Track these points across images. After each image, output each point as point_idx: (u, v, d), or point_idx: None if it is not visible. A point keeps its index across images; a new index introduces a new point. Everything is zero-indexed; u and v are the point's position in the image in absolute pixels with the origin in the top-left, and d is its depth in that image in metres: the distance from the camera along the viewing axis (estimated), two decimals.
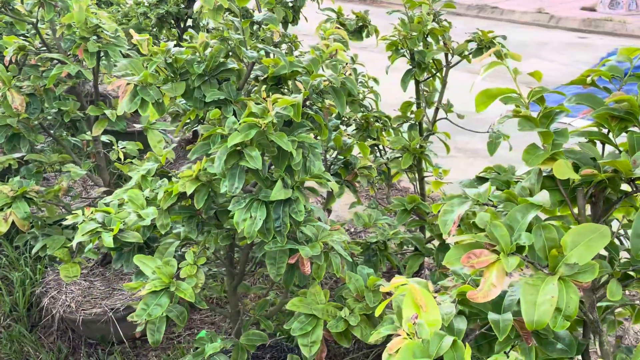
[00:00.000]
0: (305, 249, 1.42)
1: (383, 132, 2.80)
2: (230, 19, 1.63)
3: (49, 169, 2.85)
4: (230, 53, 1.68)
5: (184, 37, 4.32)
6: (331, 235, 1.47)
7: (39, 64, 2.48)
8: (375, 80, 3.21)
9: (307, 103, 1.69)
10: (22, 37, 2.66)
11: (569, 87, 1.28)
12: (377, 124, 2.85)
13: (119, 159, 2.71)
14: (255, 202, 1.44)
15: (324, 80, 1.58)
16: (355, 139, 2.80)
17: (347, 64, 1.64)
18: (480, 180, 2.36)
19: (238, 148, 1.40)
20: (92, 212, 1.76)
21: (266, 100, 1.43)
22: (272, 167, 1.55)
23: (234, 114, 1.55)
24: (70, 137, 2.84)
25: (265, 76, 1.68)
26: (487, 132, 2.40)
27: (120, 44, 2.27)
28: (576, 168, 1.02)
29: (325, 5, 3.29)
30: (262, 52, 1.73)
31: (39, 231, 2.49)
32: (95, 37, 2.24)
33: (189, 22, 4.27)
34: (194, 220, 1.64)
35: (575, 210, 1.04)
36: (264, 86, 1.68)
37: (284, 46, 3.45)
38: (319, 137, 1.70)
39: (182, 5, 4.00)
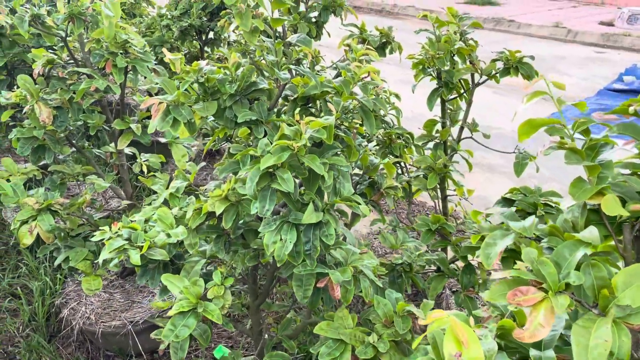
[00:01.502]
0: (336, 273, 1.40)
1: (405, 149, 2.79)
2: (264, 40, 1.63)
3: (72, 179, 2.87)
4: (261, 72, 1.68)
5: (206, 49, 4.35)
6: (361, 259, 1.45)
7: (67, 77, 2.50)
8: (397, 96, 3.21)
9: (337, 122, 1.68)
10: (50, 50, 2.69)
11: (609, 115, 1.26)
12: (399, 140, 2.84)
13: (141, 172, 2.72)
14: (285, 225, 1.43)
15: (355, 102, 1.57)
16: (379, 156, 2.79)
17: (379, 86, 1.63)
18: (507, 202, 2.34)
19: (270, 170, 1.39)
20: (119, 229, 1.76)
21: (299, 122, 1.42)
22: (302, 187, 1.54)
23: (265, 134, 1.54)
24: (94, 148, 2.86)
25: (295, 96, 1.68)
26: (514, 152, 2.37)
27: (147, 59, 2.28)
28: (622, 202, 1.00)
29: (348, 21, 3.30)
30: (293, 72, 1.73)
31: (62, 242, 2.50)
32: (123, 52, 2.26)
33: (211, 34, 4.30)
34: (221, 239, 1.63)
35: (621, 245, 1.02)
36: (295, 107, 1.67)
37: (306, 61, 3.45)
38: (348, 158, 1.69)
39: (205, 19, 4.03)
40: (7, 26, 2.83)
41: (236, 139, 1.78)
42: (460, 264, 2.37)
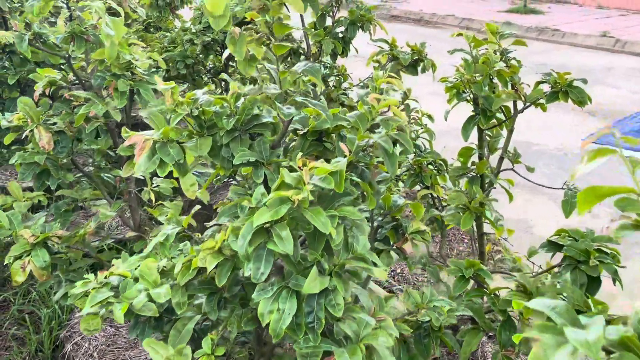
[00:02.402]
0: (344, 355, 1.15)
1: (437, 177, 2.52)
2: (267, 68, 1.41)
3: (80, 205, 2.71)
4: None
5: (230, 64, 4.17)
6: (376, 336, 1.20)
7: (72, 98, 2.34)
8: (429, 117, 2.94)
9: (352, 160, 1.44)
10: (57, 69, 2.55)
11: None
12: (430, 166, 2.57)
13: (150, 200, 2.53)
14: (284, 291, 1.19)
15: (374, 141, 1.32)
16: (407, 184, 2.53)
17: (404, 118, 1.38)
18: (553, 246, 2.04)
19: (266, 225, 1.16)
20: (105, 277, 1.56)
21: (305, 164, 1.18)
22: (306, 240, 1.30)
23: (265, 179, 1.31)
24: (103, 173, 2.69)
25: (305, 130, 1.44)
26: (562, 188, 2.07)
27: (152, 81, 2.09)
28: None
29: (378, 36, 3.05)
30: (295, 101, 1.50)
31: (64, 275, 2.33)
32: (128, 74, 2.08)
33: None
34: (215, 297, 1.41)
35: None
36: (305, 143, 1.44)
37: (332, 78, 3.22)
38: (364, 204, 1.44)
39: (223, 33, 3.85)
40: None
41: (238, 179, 1.55)
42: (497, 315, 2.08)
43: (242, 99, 1.41)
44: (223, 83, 4.40)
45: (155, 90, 2.19)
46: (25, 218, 2.49)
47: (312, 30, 2.96)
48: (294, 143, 1.47)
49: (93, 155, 2.46)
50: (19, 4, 3.13)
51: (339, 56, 3.05)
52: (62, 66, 2.54)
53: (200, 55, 3.85)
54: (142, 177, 2.72)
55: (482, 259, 2.32)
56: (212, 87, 4.43)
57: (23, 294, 3.28)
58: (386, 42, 3.03)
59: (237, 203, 1.31)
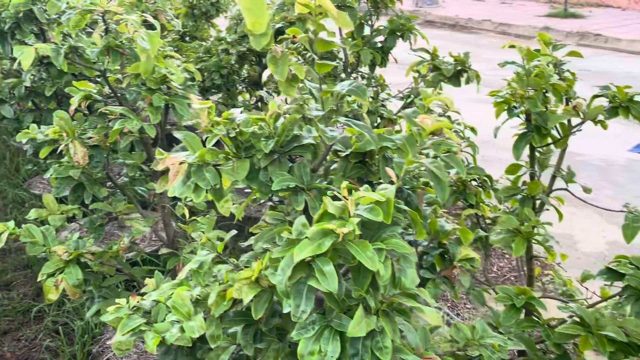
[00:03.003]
0: None
1: (482, 194, 2.38)
2: (308, 87, 1.32)
3: (120, 216, 2.68)
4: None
5: None
6: None
7: (107, 111, 2.31)
8: (472, 130, 2.80)
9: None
10: (93, 82, 2.53)
11: None
12: (474, 183, 2.43)
13: (184, 215, 2.48)
14: (326, 331, 1.09)
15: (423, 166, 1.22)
16: (449, 201, 2.40)
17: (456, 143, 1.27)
18: (612, 273, 1.88)
19: (308, 258, 1.07)
20: (138, 302, 1.50)
21: (346, 195, 1.09)
22: (348, 271, 1.20)
23: (306, 207, 1.22)
24: (136, 186, 2.66)
25: (347, 152, 1.35)
26: (623, 210, 1.92)
27: (188, 96, 2.04)
28: None
29: (418, 45, 2.94)
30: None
31: (96, 291, 2.30)
32: (164, 88, 2.03)
33: None
34: (251, 330, 1.32)
35: None
36: (347, 166, 1.34)
37: (370, 89, 3.12)
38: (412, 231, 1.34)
39: None
40: None
41: (275, 199, 1.47)
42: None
43: (281, 119, 1.32)
44: (258, 93, 4.36)
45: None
46: (61, 228, 2.48)
47: (350, 39, 2.87)
48: (335, 165, 1.38)
49: (127, 167, 2.42)
50: (57, 16, 3.14)
51: (377, 66, 2.95)
52: (97, 79, 2.52)
53: (236, 65, 3.81)
54: None
55: (530, 284, 2.17)
56: (247, 96, 4.39)
57: (57, 305, 3.28)
58: (427, 51, 2.92)
59: (276, 232, 1.22)
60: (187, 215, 2.46)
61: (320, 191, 1.25)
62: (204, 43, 4.21)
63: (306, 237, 1.05)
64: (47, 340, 3.06)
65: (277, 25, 3.63)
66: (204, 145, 1.31)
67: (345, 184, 1.08)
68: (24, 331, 3.16)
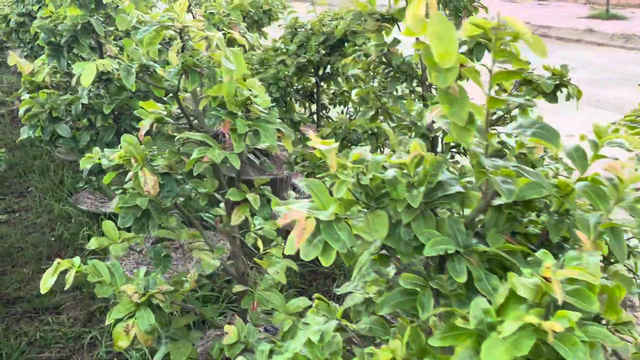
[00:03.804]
0: None
1: None
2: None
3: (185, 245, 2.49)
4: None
5: (321, 84, 3.91)
6: None
7: (176, 134, 2.11)
8: None
9: None
10: (158, 100, 2.34)
11: None
12: None
13: (255, 246, 2.27)
14: None
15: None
16: None
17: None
18: None
19: None
20: None
21: (549, 270, 0.85)
22: None
23: (469, 278, 0.98)
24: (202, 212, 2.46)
25: (501, 203, 1.10)
26: None
27: (272, 120, 1.82)
28: None
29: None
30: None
31: (163, 331, 2.10)
32: (243, 112, 1.82)
33: (327, 69, 3.85)
34: None
35: None
36: (501, 219, 1.10)
37: None
38: None
39: (323, 52, 3.58)
40: (115, 71, 2.53)
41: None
42: None
43: (423, 165, 1.09)
44: (312, 105, 4.14)
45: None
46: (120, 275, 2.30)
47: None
48: (484, 217, 1.13)
49: (198, 195, 2.22)
50: (114, 28, 2.98)
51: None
52: (164, 98, 2.33)
53: (293, 77, 3.60)
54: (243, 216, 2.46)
55: None
56: (301, 109, 4.18)
57: (110, 332, 3.11)
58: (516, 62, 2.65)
59: (441, 313, 0.99)
60: (261, 247, 2.25)
61: (480, 257, 1.01)
62: (254, 52, 4.01)
63: (495, 330, 0.81)
64: None
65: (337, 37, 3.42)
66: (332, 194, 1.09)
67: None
68: None
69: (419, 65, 2.73)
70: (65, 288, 1.84)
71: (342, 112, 4.16)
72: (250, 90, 1.81)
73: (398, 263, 1.26)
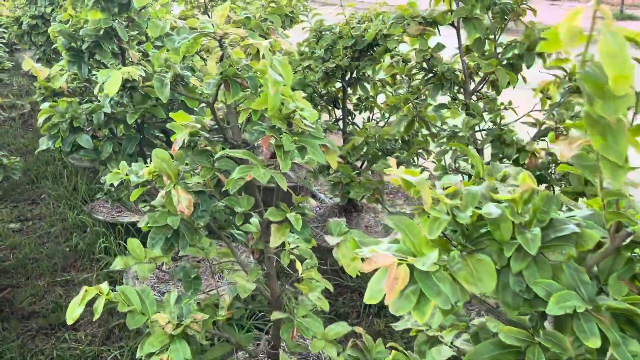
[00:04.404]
0: None
1: None
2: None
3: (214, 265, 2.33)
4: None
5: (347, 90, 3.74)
6: None
7: (209, 148, 1.95)
8: None
9: None
10: (188, 111, 2.18)
11: None
12: None
13: (291, 266, 2.11)
14: None
15: None
16: None
17: None
18: None
19: None
20: None
21: None
22: None
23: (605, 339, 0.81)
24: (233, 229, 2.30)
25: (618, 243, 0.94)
26: None
27: (319, 134, 1.66)
28: None
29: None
30: None
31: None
32: (287, 126, 1.66)
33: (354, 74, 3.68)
34: None
35: None
36: (614, 260, 0.94)
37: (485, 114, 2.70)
38: None
39: (352, 56, 3.41)
40: (140, 79, 2.37)
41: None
42: None
43: (532, 202, 0.92)
44: (337, 111, 3.98)
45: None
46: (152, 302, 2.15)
47: (478, 56, 2.46)
48: (600, 264, 0.96)
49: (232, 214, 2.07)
50: (137, 32, 2.82)
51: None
52: (195, 109, 2.17)
53: (320, 83, 3.43)
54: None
55: None
56: (325, 115, 4.02)
57: (131, 352, 2.96)
58: (563, 68, 2.49)
59: None
60: (300, 269, 2.09)
61: (614, 313, 0.84)
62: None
63: None
64: None
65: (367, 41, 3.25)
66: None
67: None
68: None
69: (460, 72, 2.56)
70: (95, 319, 1.68)
71: (369, 119, 4.00)
72: (295, 102, 1.64)
73: (481, 304, 1.09)
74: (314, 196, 4.99)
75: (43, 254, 4.05)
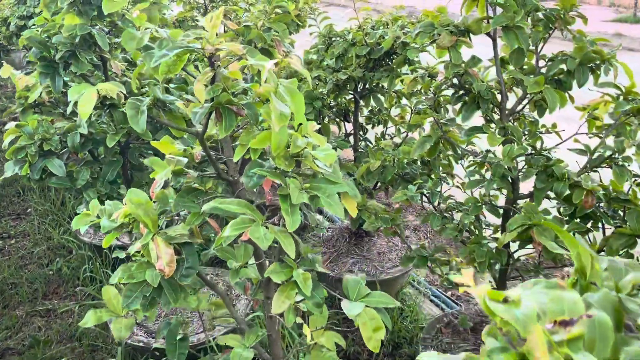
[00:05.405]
0: None
1: None
2: None
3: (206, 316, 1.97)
4: None
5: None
6: None
7: (199, 187, 1.59)
8: None
9: None
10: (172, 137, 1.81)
11: None
12: None
13: (295, 328, 1.74)
14: None
15: None
16: None
17: None
18: None
19: None
20: None
21: None
22: None
23: None
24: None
25: None
26: None
27: (336, 179, 1.29)
28: None
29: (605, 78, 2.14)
30: None
31: None
32: (295, 168, 1.29)
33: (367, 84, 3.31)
34: None
35: None
36: None
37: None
38: None
39: (363, 66, 3.04)
40: (122, 95, 2.01)
41: None
42: None
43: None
44: (347, 124, 3.61)
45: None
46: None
47: (520, 71, 2.09)
48: None
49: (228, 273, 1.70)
50: (119, 39, 2.46)
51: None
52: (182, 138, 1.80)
53: (330, 95, 3.07)
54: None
55: None
56: (334, 128, 3.65)
57: None
58: (616, 86, 2.12)
59: None
60: (309, 335, 1.72)
61: None
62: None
63: None
64: None
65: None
66: None
67: None
68: None
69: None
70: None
71: (382, 134, 3.62)
72: (306, 137, 1.28)
73: None
74: (320, 212, 4.62)
75: (23, 277, 3.70)
